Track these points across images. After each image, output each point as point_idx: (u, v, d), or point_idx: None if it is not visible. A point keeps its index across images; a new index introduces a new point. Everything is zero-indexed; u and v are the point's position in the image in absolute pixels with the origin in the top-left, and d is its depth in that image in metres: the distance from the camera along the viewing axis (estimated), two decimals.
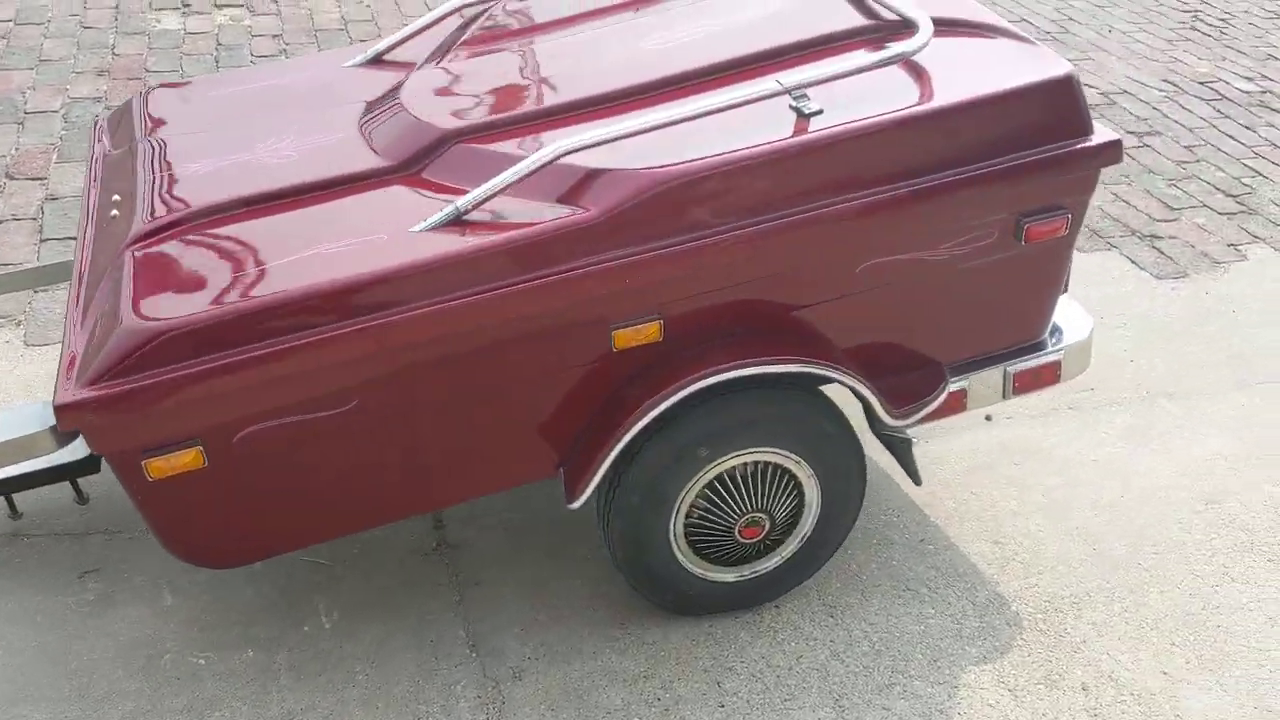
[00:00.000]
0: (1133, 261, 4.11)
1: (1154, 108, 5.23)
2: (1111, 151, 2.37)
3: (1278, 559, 2.87)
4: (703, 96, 2.32)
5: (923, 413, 2.51)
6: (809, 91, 2.28)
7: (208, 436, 2.08)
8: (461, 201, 2.17)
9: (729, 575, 2.62)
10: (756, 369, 2.28)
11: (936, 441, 3.21)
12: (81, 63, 5.24)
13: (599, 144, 2.18)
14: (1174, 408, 3.38)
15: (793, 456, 2.46)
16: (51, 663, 2.55)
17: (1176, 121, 5.14)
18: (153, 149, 2.61)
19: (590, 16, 2.84)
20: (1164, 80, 5.53)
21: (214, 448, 2.09)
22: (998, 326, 2.56)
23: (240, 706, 2.47)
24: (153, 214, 2.34)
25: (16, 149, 4.49)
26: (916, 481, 2.68)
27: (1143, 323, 3.80)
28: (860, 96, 2.30)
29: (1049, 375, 2.62)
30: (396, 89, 2.64)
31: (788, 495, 2.53)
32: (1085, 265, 4.05)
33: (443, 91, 2.59)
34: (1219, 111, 5.24)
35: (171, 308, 2.05)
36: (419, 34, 2.90)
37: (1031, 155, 2.32)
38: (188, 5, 5.91)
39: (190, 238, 2.26)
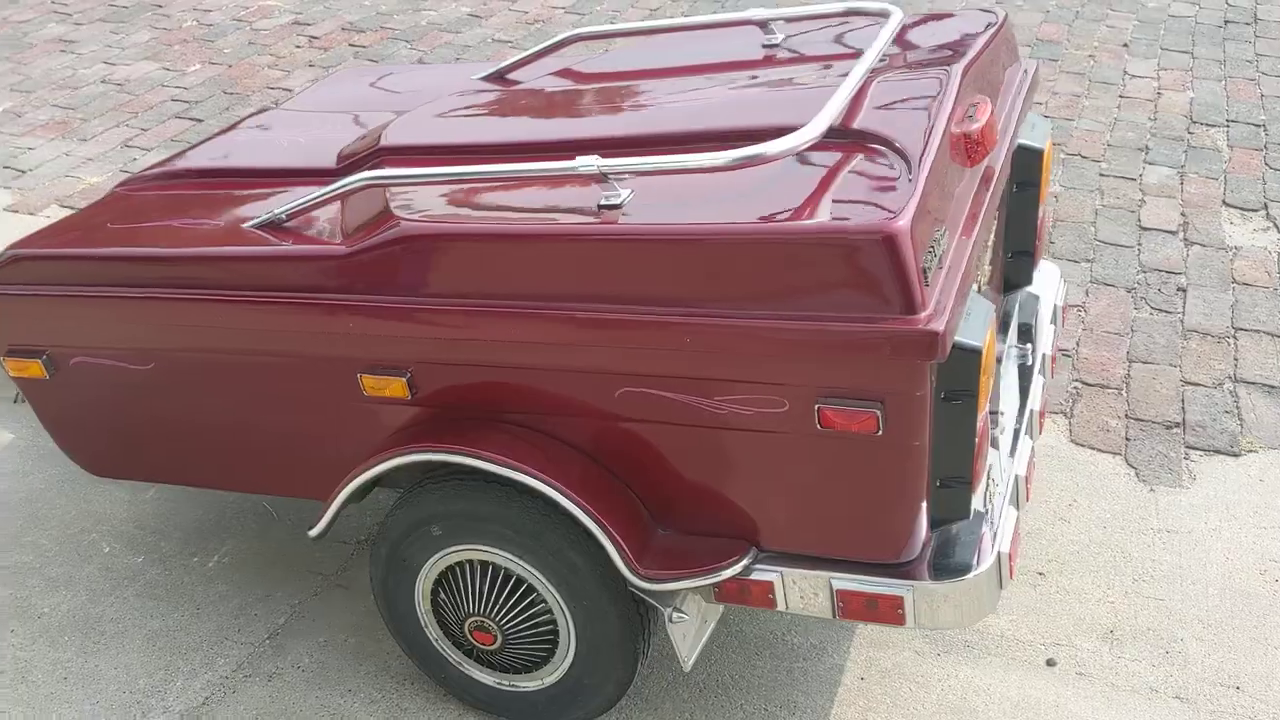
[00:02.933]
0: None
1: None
2: (926, 345, 1.72)
3: None
4: (549, 162, 2.04)
5: (680, 585, 2.05)
6: (639, 184, 2.00)
7: (49, 354, 2.51)
8: (281, 209, 2.27)
9: (486, 677, 2.39)
10: (443, 456, 2.09)
11: (978, 666, 2.52)
12: None
13: (396, 182, 2.12)
14: None
15: (538, 576, 2.18)
16: None
17: None
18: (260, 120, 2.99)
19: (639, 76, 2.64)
20: None
21: (54, 365, 2.52)
22: (830, 524, 2.01)
23: None
24: (161, 164, 2.83)
25: None
26: (683, 665, 2.17)
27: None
28: (681, 201, 1.95)
29: (888, 611, 2.00)
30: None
31: (530, 614, 2.26)
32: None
33: (428, 115, 2.60)
34: None
35: (42, 240, 2.54)
36: (532, 59, 2.86)
37: (816, 321, 1.78)
38: None
39: (158, 192, 2.69)
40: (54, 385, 2.56)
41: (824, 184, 1.93)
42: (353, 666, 2.53)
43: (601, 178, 1.95)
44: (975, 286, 2.09)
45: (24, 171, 4.75)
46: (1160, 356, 3.46)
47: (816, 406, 1.86)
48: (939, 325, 1.74)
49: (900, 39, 2.48)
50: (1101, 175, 4.40)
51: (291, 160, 2.65)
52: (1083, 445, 3.17)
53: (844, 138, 2.04)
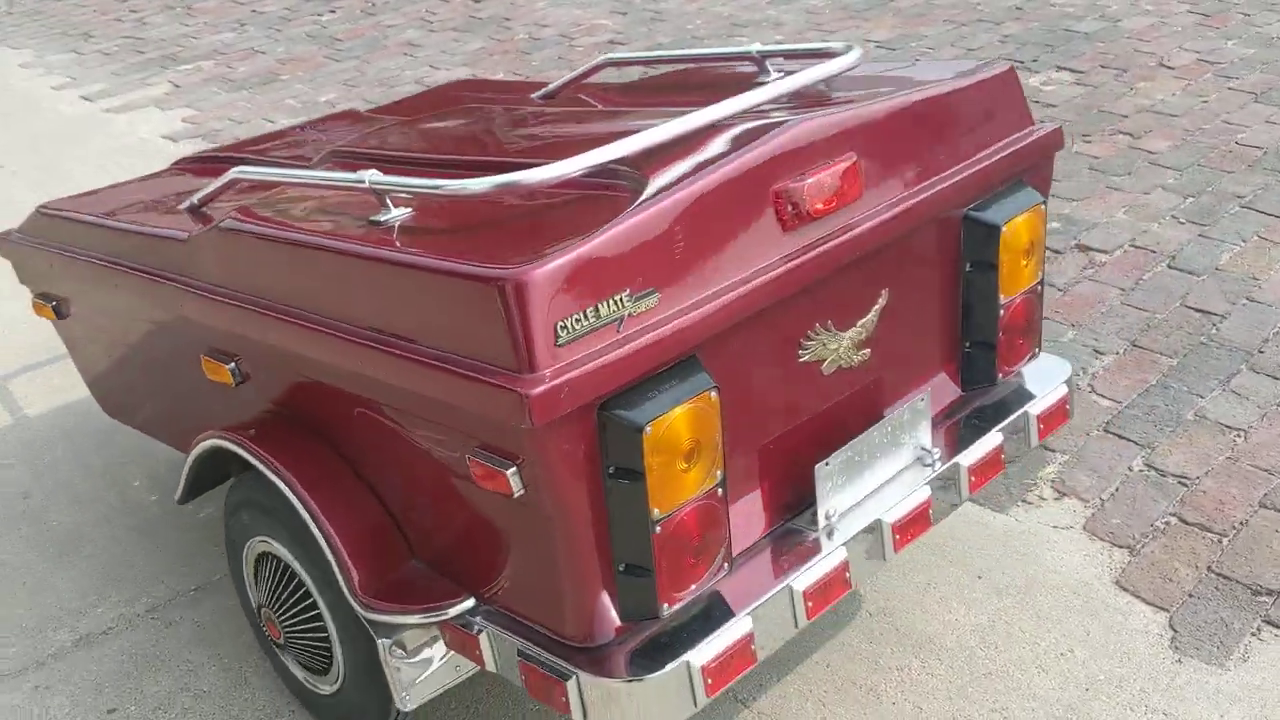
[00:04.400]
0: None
1: None
2: (519, 407, 1.55)
3: None
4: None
5: (391, 619, 1.94)
6: (427, 205, 1.95)
7: (57, 301, 2.84)
8: (197, 196, 2.37)
9: (296, 670, 2.35)
10: (223, 443, 2.17)
11: None
12: None
13: (251, 178, 2.27)
14: None
15: (310, 579, 2.14)
16: None
17: None
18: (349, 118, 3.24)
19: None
20: None
21: (59, 312, 2.85)
22: (522, 587, 1.84)
23: None
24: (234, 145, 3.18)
25: None
26: (397, 703, 2.04)
27: None
28: (438, 226, 1.91)
29: (559, 699, 1.78)
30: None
31: (306, 616, 2.21)
32: None
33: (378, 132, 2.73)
34: None
35: (68, 201, 2.87)
36: (573, 82, 2.86)
37: (450, 365, 1.66)
38: None
39: (193, 170, 2.97)
40: (63, 330, 2.92)
41: (543, 223, 1.79)
42: (239, 635, 2.65)
43: (374, 193, 1.92)
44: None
45: None
46: None
47: (467, 457, 1.72)
48: (540, 389, 1.55)
49: (842, 82, 2.21)
50: None
51: (307, 153, 2.82)
52: (1127, 590, 2.60)
53: (621, 179, 1.85)
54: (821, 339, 1.96)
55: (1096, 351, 3.42)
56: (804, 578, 1.90)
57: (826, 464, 1.97)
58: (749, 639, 1.80)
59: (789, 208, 1.84)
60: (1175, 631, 2.49)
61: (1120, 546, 2.72)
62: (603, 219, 1.69)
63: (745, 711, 2.38)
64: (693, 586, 1.79)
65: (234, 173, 2.24)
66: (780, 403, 1.94)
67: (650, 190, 1.75)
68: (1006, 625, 2.54)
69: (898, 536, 2.03)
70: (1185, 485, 2.88)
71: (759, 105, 1.99)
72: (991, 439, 2.20)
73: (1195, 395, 3.19)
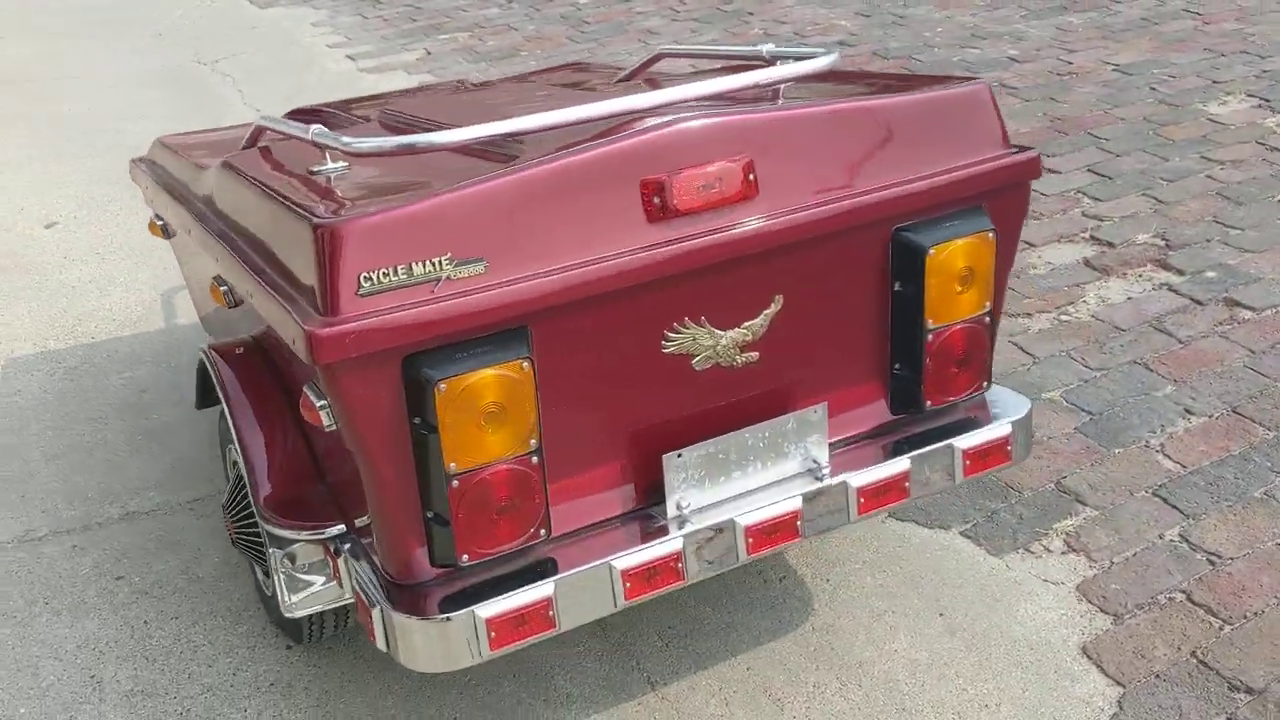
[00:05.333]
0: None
1: None
2: (307, 348, 1.71)
3: None
4: None
5: (286, 534, 2.11)
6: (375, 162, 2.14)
7: (165, 222, 3.06)
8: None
9: (256, 570, 2.58)
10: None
11: None
12: None
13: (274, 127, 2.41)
14: None
15: None
16: None
17: None
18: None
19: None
20: None
21: (167, 232, 3.10)
22: (370, 521, 1.98)
23: None
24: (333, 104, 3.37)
25: None
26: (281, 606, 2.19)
27: None
28: (367, 179, 2.09)
29: (368, 626, 1.97)
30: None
31: (249, 520, 2.37)
32: None
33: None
34: None
35: (176, 139, 3.21)
36: (640, 70, 2.97)
37: (287, 296, 1.86)
38: None
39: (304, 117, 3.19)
40: (173, 249, 3.31)
41: (412, 185, 1.91)
42: (150, 568, 2.81)
43: (316, 145, 2.12)
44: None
45: None
46: None
47: (305, 387, 1.88)
48: (325, 330, 1.69)
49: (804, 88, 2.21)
50: None
51: (380, 112, 3.05)
52: (1090, 657, 2.43)
53: (511, 155, 1.96)
54: (692, 334, 1.98)
55: (1188, 411, 3.15)
56: (629, 559, 1.94)
57: (679, 455, 1.99)
58: (546, 604, 1.87)
59: (655, 200, 1.87)
60: (1121, 710, 2.31)
61: (1107, 613, 2.54)
62: (452, 182, 1.81)
63: (651, 693, 2.43)
64: (501, 545, 1.88)
65: (259, 121, 2.50)
66: (642, 391, 1.98)
67: (506, 167, 1.84)
68: (944, 667, 2.44)
69: (751, 540, 2.02)
70: (1213, 564, 2.64)
71: (676, 101, 2.02)
72: (896, 465, 2.13)
73: (1274, 473, 2.89)
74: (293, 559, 2.18)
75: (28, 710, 2.43)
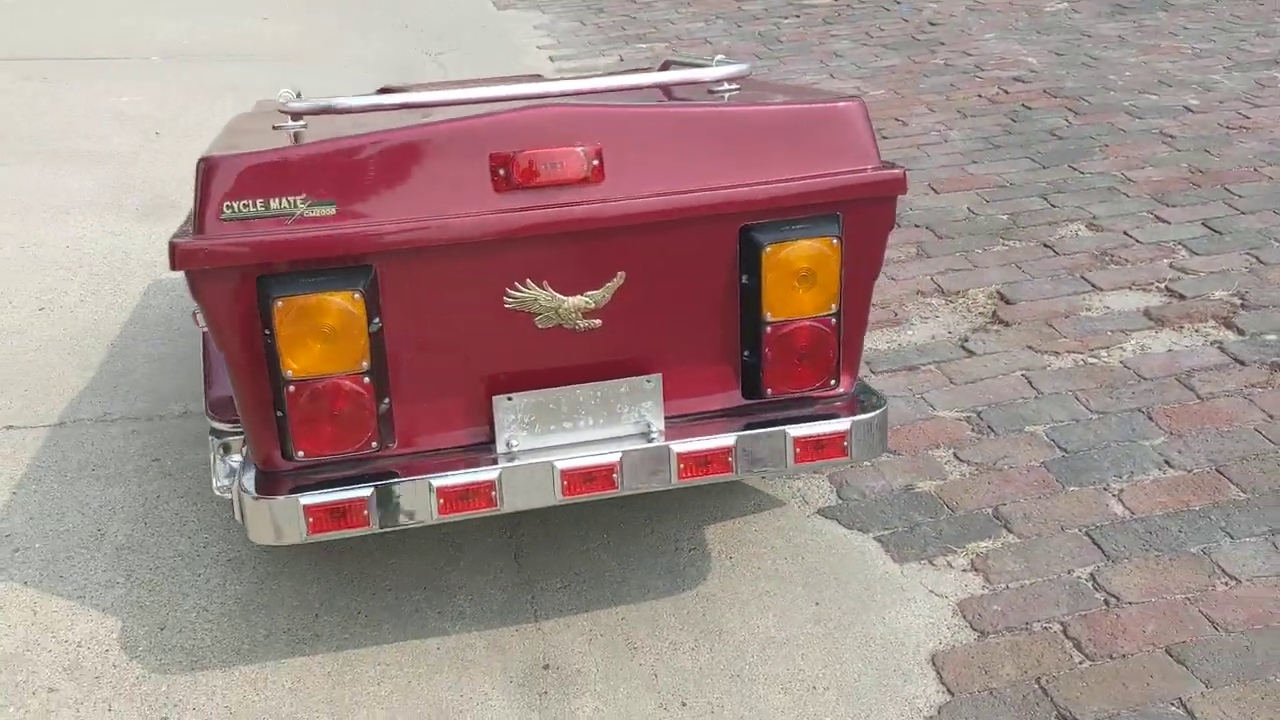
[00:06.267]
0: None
1: None
2: (173, 257, 2.11)
3: None
4: None
5: (217, 425, 2.51)
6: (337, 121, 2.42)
7: None
8: None
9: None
10: None
11: None
12: None
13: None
14: None
15: None
16: None
17: None
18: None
19: None
20: None
21: None
22: None
23: None
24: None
25: None
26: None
27: None
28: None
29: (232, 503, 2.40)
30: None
31: None
32: None
33: None
34: None
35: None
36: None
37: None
38: None
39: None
40: None
41: (313, 138, 2.28)
42: (182, 457, 2.99)
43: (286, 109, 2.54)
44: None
45: None
46: None
47: None
48: (183, 243, 2.08)
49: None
50: None
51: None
52: (934, 665, 2.50)
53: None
54: (533, 294, 2.24)
55: (1166, 463, 3.10)
56: (447, 480, 2.24)
57: (509, 399, 2.27)
58: (362, 504, 2.20)
59: (500, 171, 2.16)
60: (938, 715, 2.39)
61: (975, 630, 2.60)
62: (332, 142, 2.18)
63: (531, 623, 2.69)
64: (333, 449, 2.22)
65: (284, 91, 2.94)
66: (485, 340, 2.27)
67: (371, 130, 2.19)
68: (793, 647, 2.58)
69: (565, 483, 2.27)
70: (1108, 605, 2.64)
71: (570, 91, 2.30)
72: (721, 440, 2.32)
73: (1225, 534, 2.83)
74: (226, 449, 2.61)
75: (42, 545, 2.98)
